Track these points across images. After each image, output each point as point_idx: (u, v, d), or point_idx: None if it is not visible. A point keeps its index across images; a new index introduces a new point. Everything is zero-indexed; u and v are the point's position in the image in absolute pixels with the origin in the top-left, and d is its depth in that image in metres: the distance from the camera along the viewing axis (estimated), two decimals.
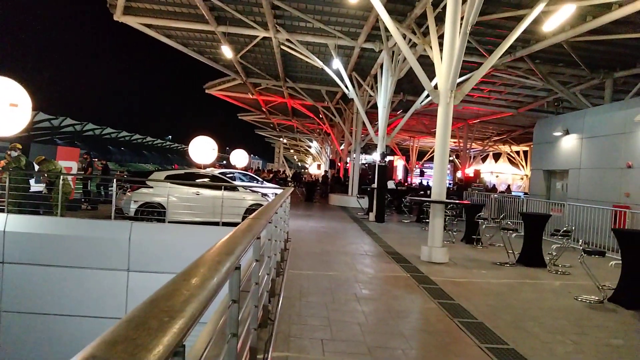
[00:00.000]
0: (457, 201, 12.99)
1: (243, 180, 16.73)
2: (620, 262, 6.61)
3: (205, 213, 11.61)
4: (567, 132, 15.36)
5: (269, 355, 3.54)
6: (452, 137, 32.40)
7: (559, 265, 8.69)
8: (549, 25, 11.10)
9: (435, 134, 9.03)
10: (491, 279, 7.48)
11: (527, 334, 4.85)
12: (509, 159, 39.26)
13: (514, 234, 9.26)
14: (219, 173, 14.33)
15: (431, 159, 38.05)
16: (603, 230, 10.72)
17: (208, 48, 19.01)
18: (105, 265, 9.65)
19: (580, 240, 8.97)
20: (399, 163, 46.15)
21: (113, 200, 10.99)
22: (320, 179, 34.48)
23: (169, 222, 10.89)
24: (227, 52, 16.81)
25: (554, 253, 8.55)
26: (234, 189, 12.69)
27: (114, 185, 11.28)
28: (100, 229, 10.08)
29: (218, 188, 11.73)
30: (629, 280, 6.34)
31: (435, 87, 9.00)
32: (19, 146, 12.01)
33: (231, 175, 16.02)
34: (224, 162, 45.52)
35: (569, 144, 15.39)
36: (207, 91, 26.15)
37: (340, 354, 3.98)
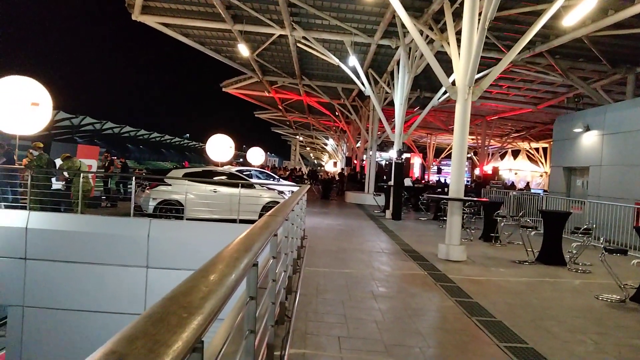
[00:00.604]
0: (475, 199, 12.84)
1: (260, 178, 16.81)
2: None
3: (223, 210, 11.70)
4: (587, 129, 15.07)
5: (286, 352, 3.55)
6: (470, 134, 32.08)
7: (579, 264, 8.54)
8: (569, 20, 10.88)
9: (453, 130, 8.93)
10: (510, 277, 7.39)
11: (547, 333, 4.78)
12: (528, 156, 38.75)
13: (533, 232, 9.13)
14: (236, 171, 14.40)
15: (449, 156, 37.82)
16: (625, 228, 10.51)
17: (225, 46, 19.11)
18: (124, 262, 9.79)
19: (602, 239, 8.81)
20: (416, 160, 45.89)
21: (132, 197, 11.14)
22: (336, 177, 34.46)
23: (186, 219, 11.00)
24: (243, 50, 16.88)
25: (574, 251, 8.42)
26: (250, 186, 12.75)
27: (133, 183, 11.43)
28: (120, 226, 10.22)
29: (235, 186, 11.80)
30: None
31: (453, 83, 8.91)
32: (40, 145, 12.24)
33: (248, 172, 16.10)
34: (241, 159, 45.74)
35: (589, 140, 15.10)
36: (223, 89, 26.30)
37: (357, 351, 3.97)
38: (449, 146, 38.47)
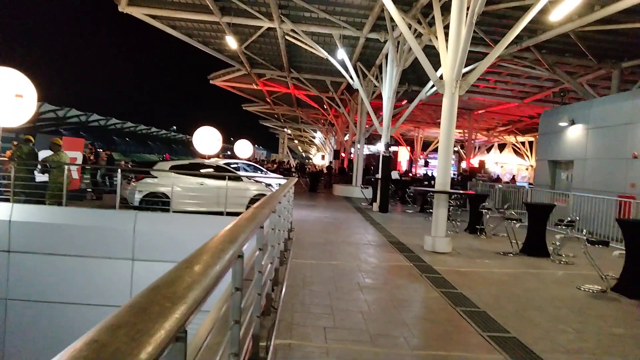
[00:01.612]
0: (461, 191, 12.96)
1: (247, 171, 16.77)
2: (624, 252, 6.61)
3: (210, 203, 11.66)
4: (572, 123, 15.24)
5: (272, 343, 3.58)
6: (457, 127, 32.26)
7: (563, 255, 8.68)
8: (556, 15, 10.97)
9: (440, 124, 8.99)
10: (494, 269, 7.50)
11: (530, 323, 4.87)
12: (514, 150, 39.09)
13: (517, 224, 9.24)
14: (224, 163, 14.35)
15: (436, 150, 37.94)
16: (607, 220, 10.69)
17: (212, 39, 18.95)
18: (110, 254, 9.73)
19: (584, 230, 8.95)
20: (404, 153, 46.03)
21: (118, 190, 11.05)
22: (324, 170, 34.47)
23: (173, 211, 10.95)
24: (231, 42, 16.76)
25: (558, 243, 8.55)
26: (237, 179, 12.72)
27: (119, 175, 11.33)
28: (105, 219, 10.15)
29: (222, 178, 11.76)
30: (632, 270, 6.33)
31: (441, 77, 8.95)
32: (28, 137, 12.05)
33: (235, 165, 16.04)
34: (229, 152, 45.55)
35: (574, 134, 15.28)
36: (211, 82, 26.12)
37: (342, 341, 4.01)
38: (436, 139, 38.69)
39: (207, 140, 20.41)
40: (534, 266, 7.95)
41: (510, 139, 38.35)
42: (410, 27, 12.17)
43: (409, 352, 3.94)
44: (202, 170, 12.80)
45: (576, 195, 12.36)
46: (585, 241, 6.86)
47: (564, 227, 8.90)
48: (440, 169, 8.99)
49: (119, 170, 11.68)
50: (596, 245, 6.71)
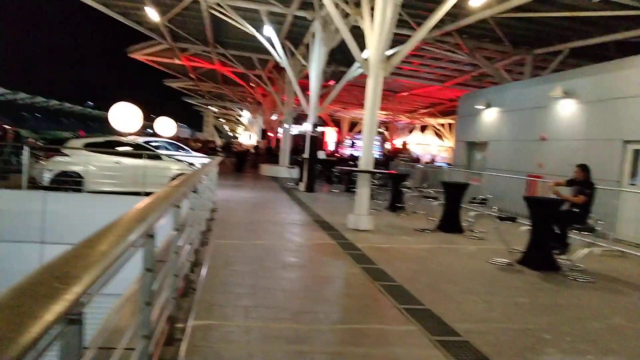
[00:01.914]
0: (382, 171, 13.35)
1: (169, 150, 16.18)
2: (530, 227, 7.14)
3: (127, 183, 11.13)
4: (488, 106, 16.13)
5: (190, 324, 3.52)
6: (382, 109, 33.05)
7: (476, 231, 9.22)
8: (476, 1, 11.43)
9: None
10: (412, 245, 7.83)
11: (443, 295, 5.15)
12: (435, 132, 40.76)
13: (435, 202, 9.69)
14: (144, 142, 13.73)
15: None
16: (517, 198, 11.49)
17: (132, 10, 17.87)
18: (16, 237, 9.04)
19: (496, 208, 9.56)
20: (331, 134, 46.49)
21: (24, 168, 10.24)
22: (251, 149, 34.10)
23: (87, 192, 10.35)
24: (152, 14, 15.92)
25: (471, 220, 9.07)
26: (157, 157, 12.23)
27: (26, 153, 10.49)
28: (11, 200, 9.40)
29: (140, 156, 11.26)
30: (535, 244, 6.86)
31: (367, 59, 9.07)
32: None
33: (156, 144, 15.42)
34: (150, 130, 43.65)
35: (490, 117, 16.19)
36: (130, 55, 24.74)
37: (263, 319, 4.02)
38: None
39: (125, 116, 19.42)
40: (448, 242, 8.39)
41: (432, 121, 39.94)
42: (337, 6, 12.15)
43: (329, 327, 4.03)
44: (119, 149, 12.16)
45: (489, 174, 13.14)
46: (496, 217, 7.33)
47: (477, 205, 9.44)
48: (364, 149, 9.19)
49: (26, 148, 10.81)
50: (504, 221, 7.20)
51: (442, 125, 39.53)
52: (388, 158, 24.96)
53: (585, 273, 6.52)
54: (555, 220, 6.89)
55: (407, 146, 37.36)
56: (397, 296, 4.91)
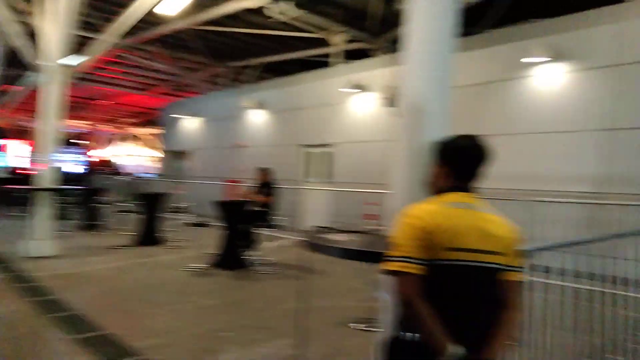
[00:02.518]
0: (66, 187, 11.84)
1: None
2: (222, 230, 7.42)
3: None
4: (192, 115, 16.47)
5: None
6: (81, 118, 30.22)
7: (174, 241, 9.10)
8: (164, 9, 11.20)
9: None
10: (101, 265, 7.12)
11: (127, 314, 4.84)
12: (143, 141, 39.34)
13: (134, 215, 9.18)
14: None
15: (67, 142, 34.30)
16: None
17: None
18: None
19: (195, 215, 9.68)
20: (18, 147, 39.45)
21: None
22: None
23: None
24: None
25: (171, 229, 8.92)
26: None
27: None
28: None
29: None
30: (226, 245, 7.19)
31: (42, 62, 7.94)
32: None
33: None
34: None
35: (194, 126, 16.56)
36: None
37: None
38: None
39: None
40: (145, 255, 8.00)
41: (142, 130, 38.40)
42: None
43: None
44: None
45: (191, 182, 13.36)
46: (192, 225, 7.37)
47: (179, 214, 9.37)
48: (44, 162, 8.00)
49: None
50: (197, 227, 7.31)
51: (153, 135, 38.48)
52: (92, 171, 22.78)
53: (271, 265, 7.17)
54: (242, 220, 7.37)
55: (111, 157, 35.08)
56: (72, 326, 4.37)
